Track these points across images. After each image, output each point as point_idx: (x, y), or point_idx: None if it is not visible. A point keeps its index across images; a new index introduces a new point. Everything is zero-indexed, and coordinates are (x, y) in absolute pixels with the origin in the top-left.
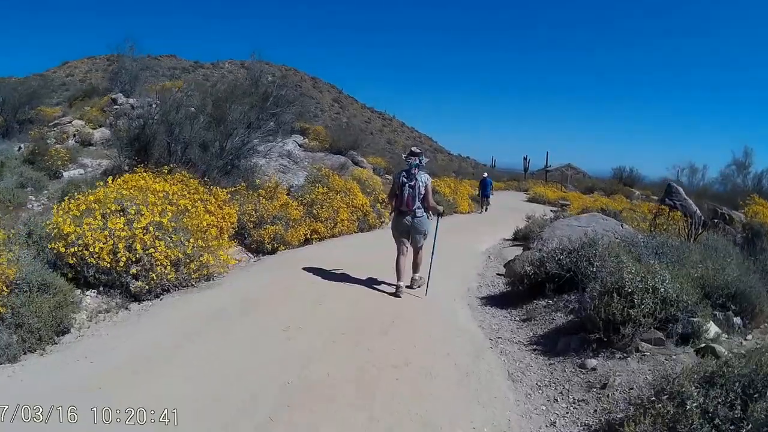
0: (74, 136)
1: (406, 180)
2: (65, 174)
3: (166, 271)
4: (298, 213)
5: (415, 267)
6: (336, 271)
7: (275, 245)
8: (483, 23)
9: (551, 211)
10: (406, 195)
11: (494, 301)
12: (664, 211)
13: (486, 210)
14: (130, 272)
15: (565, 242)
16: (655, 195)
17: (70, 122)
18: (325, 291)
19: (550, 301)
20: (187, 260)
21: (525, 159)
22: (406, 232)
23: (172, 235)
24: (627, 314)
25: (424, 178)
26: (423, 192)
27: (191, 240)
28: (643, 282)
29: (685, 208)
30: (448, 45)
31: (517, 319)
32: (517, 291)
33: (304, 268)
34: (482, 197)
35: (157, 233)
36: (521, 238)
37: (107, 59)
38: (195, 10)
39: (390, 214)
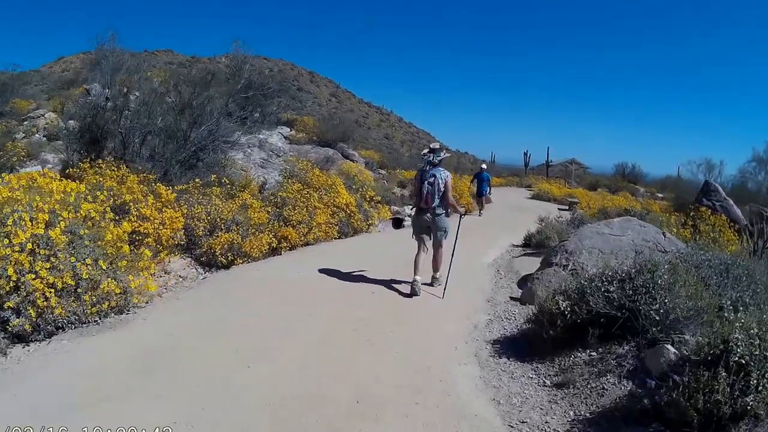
0: (44, 129)
1: (425, 177)
2: (21, 171)
3: (52, 304)
4: (262, 216)
5: (436, 266)
6: (294, 300)
7: (230, 257)
8: (484, 22)
9: (559, 209)
10: (425, 192)
11: (512, 347)
12: (703, 214)
13: (482, 213)
14: (6, 305)
15: (596, 256)
16: (660, 192)
17: (43, 115)
18: (265, 338)
19: (594, 354)
20: (88, 288)
21: (525, 154)
22: (427, 229)
23: (59, 254)
24: (742, 404)
25: (443, 175)
26: (442, 189)
27: (88, 261)
28: (762, 346)
29: (726, 210)
30: (449, 42)
31: (548, 383)
32: (546, 334)
33: (253, 294)
34: (478, 195)
35: (43, 251)
36: (535, 245)
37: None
38: (194, 6)
39: (411, 209)
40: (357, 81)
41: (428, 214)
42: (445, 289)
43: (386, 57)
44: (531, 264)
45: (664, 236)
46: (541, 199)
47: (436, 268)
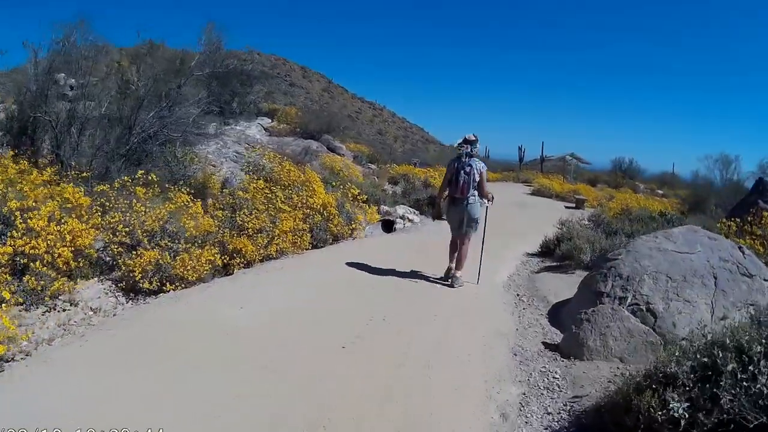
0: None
1: (461, 167)
2: None
3: None
4: (206, 223)
5: (459, 263)
6: (217, 369)
7: (157, 282)
8: (475, 20)
9: (566, 207)
10: (461, 182)
11: None
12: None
13: None
14: None
15: (664, 284)
16: (660, 189)
17: (4, 110)
18: None
19: None
20: None
21: (520, 149)
22: (460, 220)
23: None
24: None
25: (479, 165)
26: (478, 179)
27: None
28: None
29: None
30: (443, 40)
31: None
32: None
33: (157, 356)
34: None
35: None
36: (560, 257)
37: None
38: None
39: (443, 201)
40: (349, 76)
41: (462, 204)
42: (478, 279)
43: (378, 51)
44: (558, 284)
45: (743, 253)
46: (542, 196)
47: (458, 265)
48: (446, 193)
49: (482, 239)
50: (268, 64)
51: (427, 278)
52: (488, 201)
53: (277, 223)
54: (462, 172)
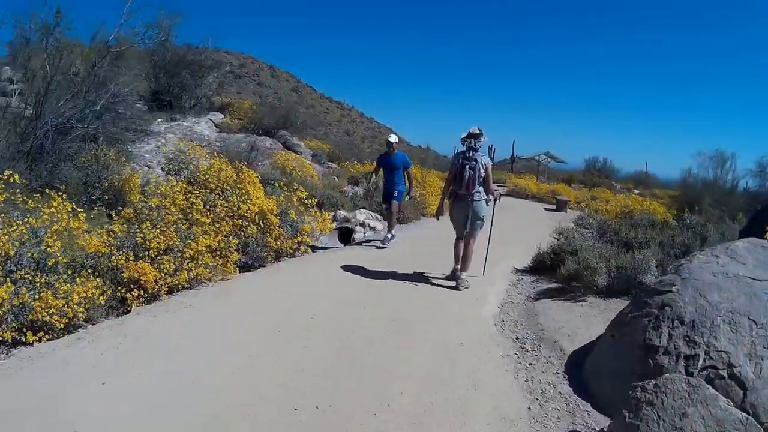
0: None
1: (465, 162)
2: None
3: None
4: (90, 244)
5: (464, 264)
6: None
7: (13, 332)
8: (444, 15)
9: (545, 209)
10: (466, 177)
11: None
12: None
13: (393, 233)
14: None
15: (748, 334)
16: (636, 188)
17: None
18: None
19: None
20: None
21: (490, 149)
22: (465, 217)
23: None
24: None
25: (484, 160)
26: (483, 174)
27: None
28: None
29: None
30: (409, 35)
31: None
32: None
33: None
34: (385, 198)
35: None
36: (565, 277)
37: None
38: None
39: (447, 199)
40: (316, 75)
41: (467, 201)
42: (484, 271)
43: (345, 49)
44: (569, 318)
45: None
46: (517, 197)
47: (464, 266)
48: (450, 189)
49: (489, 236)
50: (236, 62)
51: (390, 314)
52: (496, 198)
53: (191, 241)
54: (467, 167)
